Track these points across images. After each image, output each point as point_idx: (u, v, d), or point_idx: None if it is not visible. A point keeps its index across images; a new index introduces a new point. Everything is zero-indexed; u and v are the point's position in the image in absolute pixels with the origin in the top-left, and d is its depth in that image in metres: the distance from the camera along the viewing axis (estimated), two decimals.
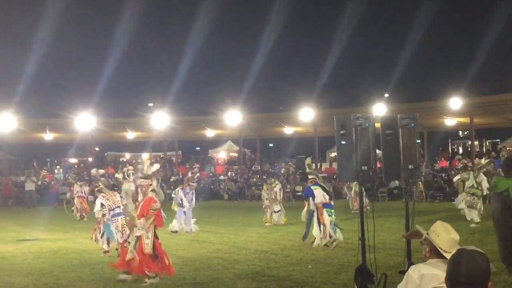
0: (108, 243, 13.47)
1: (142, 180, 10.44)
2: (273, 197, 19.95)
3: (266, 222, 19.48)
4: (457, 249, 3.49)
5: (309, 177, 15.04)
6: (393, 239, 13.92)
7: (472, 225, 16.67)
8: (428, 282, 4.28)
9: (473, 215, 17.05)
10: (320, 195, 14.17)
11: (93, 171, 20.73)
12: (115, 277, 10.58)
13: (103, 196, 13.53)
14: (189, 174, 23.08)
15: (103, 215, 13.37)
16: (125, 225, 13.17)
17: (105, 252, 13.31)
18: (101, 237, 13.48)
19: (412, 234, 5.57)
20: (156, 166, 10.88)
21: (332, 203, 14.47)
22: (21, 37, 47.57)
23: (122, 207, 13.47)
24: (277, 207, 19.85)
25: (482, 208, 17.16)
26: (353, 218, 16.15)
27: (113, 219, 13.29)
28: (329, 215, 14.00)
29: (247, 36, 67.05)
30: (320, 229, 13.92)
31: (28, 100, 39.20)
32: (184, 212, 17.71)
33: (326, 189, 14.50)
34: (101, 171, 19.85)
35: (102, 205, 13.42)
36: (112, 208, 13.36)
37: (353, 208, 22.93)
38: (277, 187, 20.33)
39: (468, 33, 63.41)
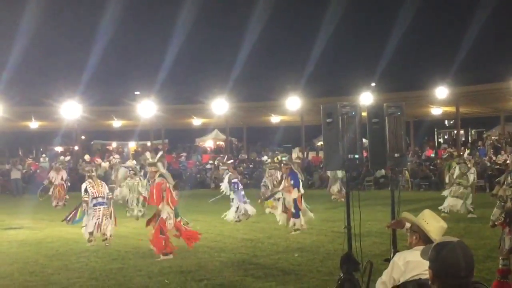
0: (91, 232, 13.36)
1: (150, 167, 12.06)
2: (275, 182, 18.53)
3: (268, 207, 17.99)
4: (440, 244, 3.26)
5: (284, 164, 15.47)
6: (379, 228, 13.98)
7: (443, 214, 16.43)
8: (413, 268, 4.32)
9: (458, 205, 16.86)
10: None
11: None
12: (102, 266, 10.59)
13: (89, 182, 13.52)
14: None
15: (85, 202, 13.34)
16: (105, 215, 13.18)
17: (89, 241, 13.23)
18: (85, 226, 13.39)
19: (395, 224, 5.61)
20: (160, 153, 12.58)
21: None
22: (6, 25, 47.07)
23: (106, 197, 13.47)
24: (279, 194, 18.14)
25: (470, 200, 16.86)
26: (339, 207, 16.21)
27: (94, 207, 13.27)
28: None
29: (233, 25, 66.70)
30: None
31: (13, 88, 38.87)
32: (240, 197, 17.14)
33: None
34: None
35: (85, 191, 13.41)
36: (95, 196, 13.35)
37: (332, 194, 23.05)
38: (279, 174, 18.86)
39: (454, 22, 63.63)
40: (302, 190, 15.07)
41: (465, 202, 16.80)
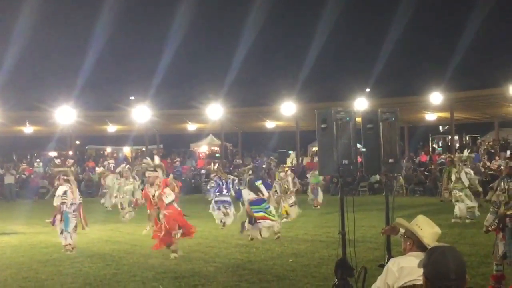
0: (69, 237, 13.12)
1: (149, 172, 12.33)
2: (285, 186, 18.78)
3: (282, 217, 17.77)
4: (431, 249, 3.43)
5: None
6: (373, 233, 13.99)
7: (453, 219, 16.55)
8: (407, 275, 4.32)
9: (456, 209, 16.78)
10: (246, 194, 14.67)
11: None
12: (96, 272, 10.57)
13: (69, 187, 13.25)
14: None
15: (63, 203, 13.06)
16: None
17: (66, 246, 12.95)
18: (61, 233, 13.03)
19: (389, 230, 5.61)
20: (157, 158, 13.05)
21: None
22: (0, 29, 47.00)
23: (76, 204, 13.25)
24: (290, 199, 18.61)
25: (470, 203, 16.61)
26: (335, 212, 16.19)
27: (74, 213, 13.10)
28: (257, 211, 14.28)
29: (228, 30, 66.88)
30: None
31: (7, 93, 38.72)
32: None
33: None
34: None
35: (65, 192, 13.08)
36: (73, 203, 13.11)
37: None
38: (290, 177, 19.19)
39: (448, 28, 63.90)
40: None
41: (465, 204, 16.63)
